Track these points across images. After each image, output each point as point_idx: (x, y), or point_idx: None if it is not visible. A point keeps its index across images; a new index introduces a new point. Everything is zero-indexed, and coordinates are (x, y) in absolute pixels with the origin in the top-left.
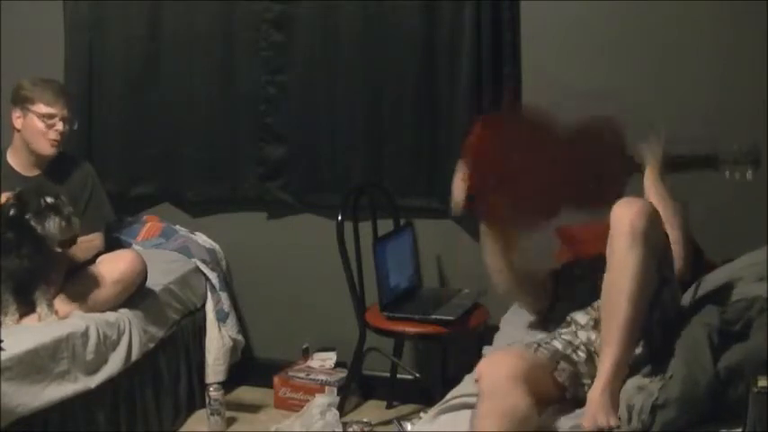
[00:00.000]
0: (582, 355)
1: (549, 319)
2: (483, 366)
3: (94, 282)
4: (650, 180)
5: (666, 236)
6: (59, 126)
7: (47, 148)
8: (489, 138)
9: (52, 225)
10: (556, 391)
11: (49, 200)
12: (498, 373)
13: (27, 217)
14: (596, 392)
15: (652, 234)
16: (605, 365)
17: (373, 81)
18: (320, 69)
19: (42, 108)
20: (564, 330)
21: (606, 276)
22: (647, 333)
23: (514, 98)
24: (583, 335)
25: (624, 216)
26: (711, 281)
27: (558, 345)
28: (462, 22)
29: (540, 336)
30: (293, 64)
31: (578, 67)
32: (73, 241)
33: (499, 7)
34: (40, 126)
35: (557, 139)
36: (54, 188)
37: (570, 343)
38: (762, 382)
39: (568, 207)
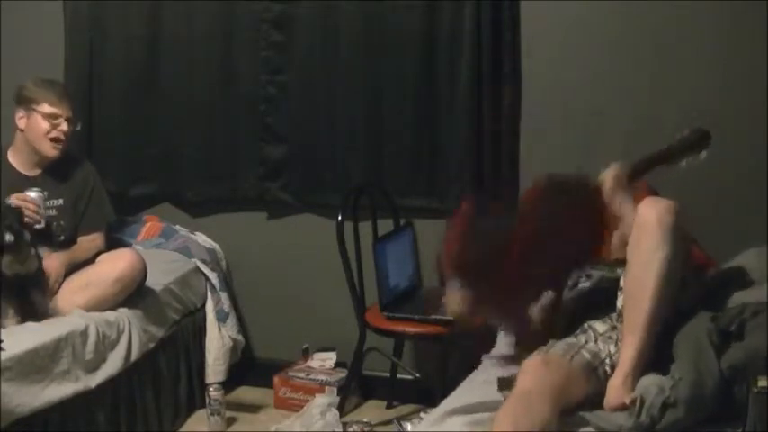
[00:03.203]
0: (608, 369)
1: (554, 326)
2: (526, 368)
3: (94, 281)
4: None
5: (689, 236)
6: (64, 126)
7: (50, 150)
8: (470, 236)
9: (3, 262)
10: (581, 400)
11: (8, 238)
12: (535, 382)
13: None
14: (618, 380)
15: (678, 232)
16: (627, 356)
17: (373, 81)
18: (320, 69)
19: (47, 108)
20: (584, 338)
21: (630, 272)
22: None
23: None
24: (603, 347)
25: (652, 213)
26: (699, 290)
27: (587, 355)
28: (462, 22)
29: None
30: (293, 64)
31: (578, 67)
32: (73, 240)
33: (499, 7)
34: (44, 126)
35: (539, 211)
36: (17, 221)
37: (597, 355)
38: (762, 382)
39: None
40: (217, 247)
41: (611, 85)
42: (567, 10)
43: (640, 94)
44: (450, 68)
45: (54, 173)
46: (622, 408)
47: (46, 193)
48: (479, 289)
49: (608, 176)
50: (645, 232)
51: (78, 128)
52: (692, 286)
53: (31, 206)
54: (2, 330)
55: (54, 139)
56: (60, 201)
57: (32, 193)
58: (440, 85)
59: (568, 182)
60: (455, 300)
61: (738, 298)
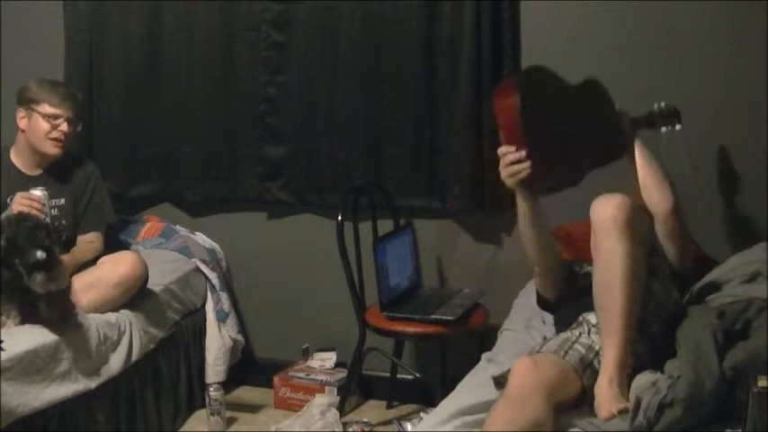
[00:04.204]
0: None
1: (555, 321)
2: (516, 369)
3: (95, 283)
4: (638, 147)
5: (650, 226)
6: (64, 127)
7: (50, 149)
8: (516, 103)
9: (38, 281)
10: (577, 396)
11: (39, 255)
12: (525, 382)
13: (16, 262)
14: (604, 383)
15: (635, 225)
16: (609, 357)
17: (373, 81)
18: (320, 69)
19: (47, 108)
20: (578, 332)
21: (596, 272)
22: (645, 327)
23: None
24: (597, 338)
25: (605, 211)
26: (704, 284)
27: (581, 349)
28: (462, 22)
29: (548, 339)
30: (293, 64)
31: (579, 67)
32: (73, 240)
33: (499, 7)
34: (44, 126)
35: (567, 98)
36: (47, 237)
37: (591, 348)
38: (762, 382)
39: (593, 164)
40: (217, 247)
41: (611, 85)
42: (567, 10)
43: (640, 94)
44: (450, 68)
45: (56, 172)
46: (613, 417)
47: (50, 191)
48: (539, 149)
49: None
50: (602, 232)
51: (79, 128)
52: (668, 278)
53: (37, 205)
54: (2, 330)
55: (54, 139)
56: (62, 200)
57: (38, 192)
58: (440, 85)
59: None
60: (514, 161)
61: (743, 291)
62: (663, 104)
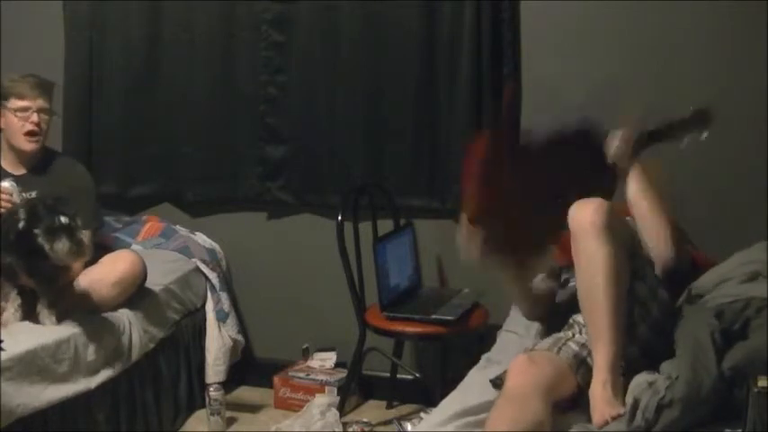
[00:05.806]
0: None
1: (549, 325)
2: (513, 367)
3: (93, 283)
4: (633, 175)
5: (631, 229)
6: (34, 118)
7: (26, 144)
8: (487, 165)
9: (61, 247)
10: (574, 393)
11: (63, 220)
12: (524, 381)
13: (36, 232)
14: (597, 387)
15: (613, 228)
16: (599, 360)
17: (373, 81)
18: (320, 69)
19: (16, 102)
20: (571, 332)
21: (578, 277)
22: (631, 328)
23: (510, 103)
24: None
25: (583, 216)
26: (702, 283)
27: (574, 347)
28: (462, 22)
29: (545, 340)
30: (293, 64)
31: (578, 67)
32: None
33: (499, 7)
34: (15, 121)
35: (546, 154)
36: (68, 207)
37: (584, 345)
38: (762, 382)
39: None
40: (217, 247)
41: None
42: (567, 10)
43: (640, 95)
44: (450, 68)
45: (40, 171)
46: (606, 424)
47: (20, 188)
48: (494, 230)
49: (616, 140)
50: (581, 237)
51: (54, 117)
52: (653, 280)
53: (5, 196)
54: (2, 330)
55: (29, 133)
56: (33, 193)
57: (5, 183)
58: (440, 84)
59: (577, 129)
60: (471, 241)
61: (743, 291)
62: (690, 109)
